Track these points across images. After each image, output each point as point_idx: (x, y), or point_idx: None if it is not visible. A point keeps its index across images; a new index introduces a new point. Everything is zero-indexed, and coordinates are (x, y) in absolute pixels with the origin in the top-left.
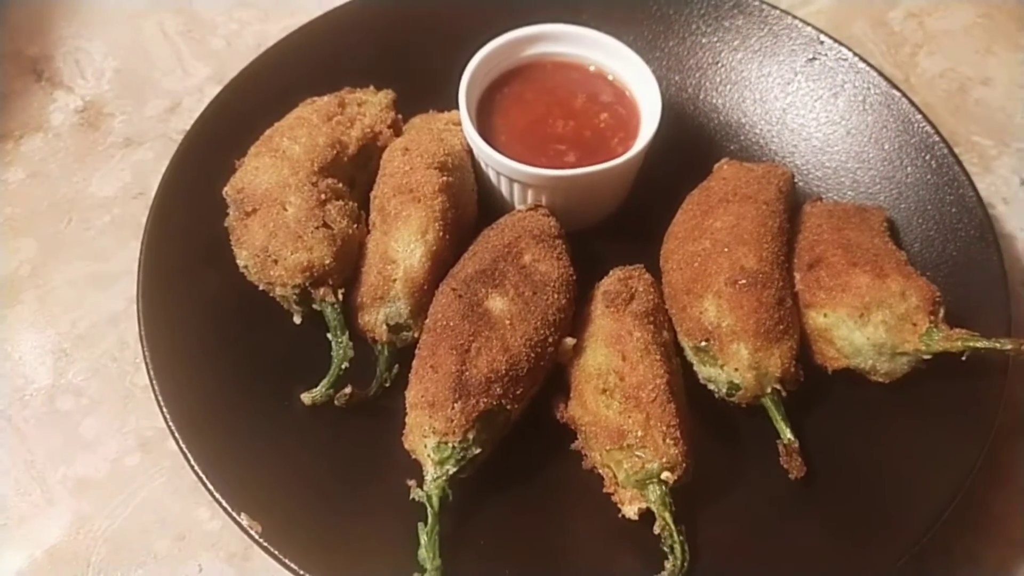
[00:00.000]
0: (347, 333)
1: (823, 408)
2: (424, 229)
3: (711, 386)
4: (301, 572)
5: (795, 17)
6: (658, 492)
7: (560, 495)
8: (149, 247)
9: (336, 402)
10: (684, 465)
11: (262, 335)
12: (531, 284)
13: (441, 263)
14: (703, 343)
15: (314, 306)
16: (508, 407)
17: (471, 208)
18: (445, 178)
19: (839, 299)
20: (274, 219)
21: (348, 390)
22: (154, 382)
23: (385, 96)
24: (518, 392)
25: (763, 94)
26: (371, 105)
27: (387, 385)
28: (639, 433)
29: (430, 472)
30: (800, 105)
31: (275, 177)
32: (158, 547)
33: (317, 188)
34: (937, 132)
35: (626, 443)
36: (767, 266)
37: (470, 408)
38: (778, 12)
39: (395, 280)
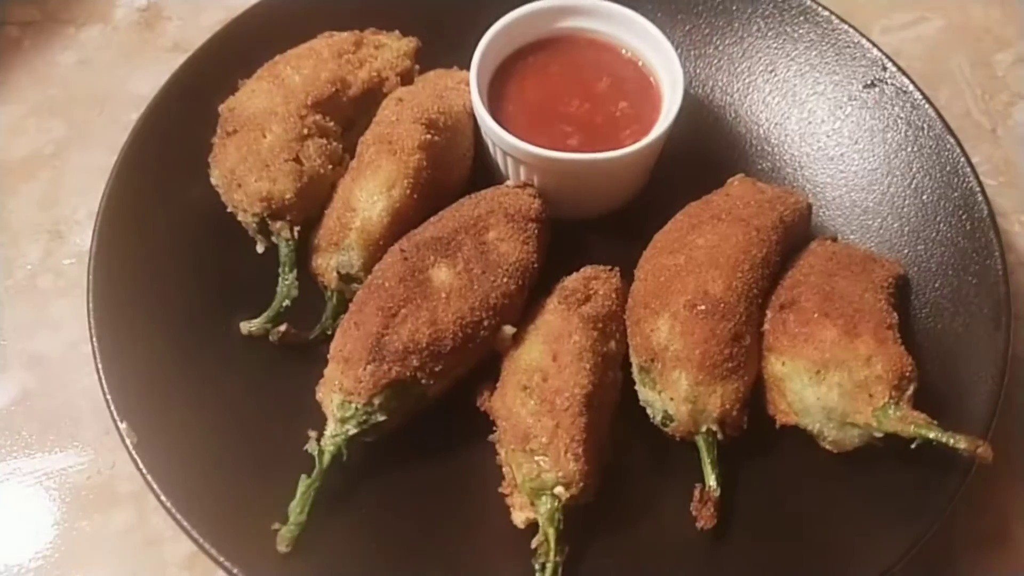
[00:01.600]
0: (295, 272)
1: (764, 462)
2: (391, 183)
3: (649, 411)
4: (157, 490)
5: (863, 35)
6: (548, 505)
7: (463, 484)
8: (131, 148)
9: (271, 338)
10: (582, 484)
11: (220, 259)
12: (483, 262)
13: (403, 221)
14: (647, 363)
15: (273, 238)
16: (423, 381)
17: (457, 172)
18: (429, 136)
19: (799, 349)
20: (250, 144)
21: (283, 328)
22: (91, 273)
23: (407, 43)
24: (437, 369)
25: (810, 114)
26: (388, 50)
27: (329, 333)
28: (544, 440)
29: (330, 428)
30: (847, 133)
31: (266, 103)
32: (84, 435)
33: (303, 122)
34: (983, 192)
35: (529, 447)
36: (734, 296)
37: (381, 373)
38: (846, 27)
39: (351, 229)
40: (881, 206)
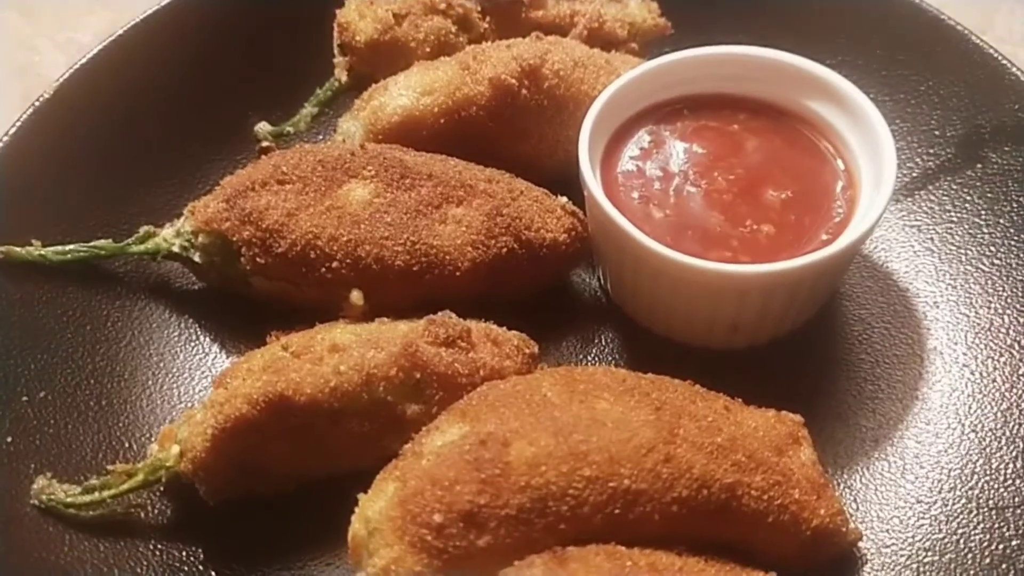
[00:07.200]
0: (316, 110)
1: None
2: (430, 90)
3: None
4: None
5: None
6: (161, 456)
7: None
8: None
9: (257, 147)
10: (190, 466)
11: None
12: (402, 219)
13: (412, 133)
14: (400, 455)
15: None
16: (243, 260)
17: (531, 147)
18: (514, 81)
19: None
20: None
21: (269, 144)
22: None
23: (648, 18)
24: (261, 261)
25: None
26: (618, 8)
27: None
28: (220, 400)
29: (170, 230)
30: None
31: None
32: None
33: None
34: None
35: (214, 394)
36: (532, 478)
37: (219, 216)
38: None
39: (369, 104)
40: None
